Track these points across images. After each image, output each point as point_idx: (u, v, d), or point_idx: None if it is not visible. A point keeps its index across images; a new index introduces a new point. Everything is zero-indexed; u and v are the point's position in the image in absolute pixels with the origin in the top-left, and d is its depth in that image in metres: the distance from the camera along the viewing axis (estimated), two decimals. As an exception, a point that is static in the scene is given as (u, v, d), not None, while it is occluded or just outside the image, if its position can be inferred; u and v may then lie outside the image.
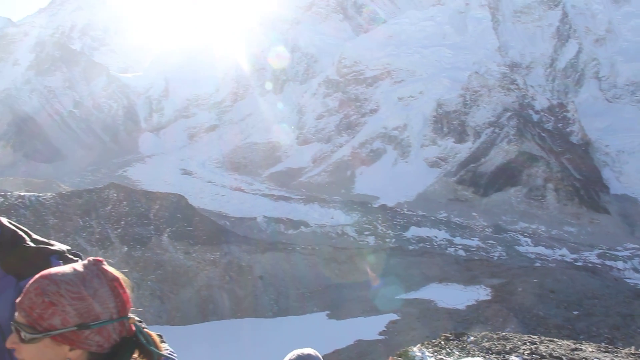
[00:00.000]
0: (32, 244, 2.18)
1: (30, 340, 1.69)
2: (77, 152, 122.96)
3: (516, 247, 71.57)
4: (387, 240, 71.13)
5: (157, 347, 2.04)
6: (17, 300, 1.72)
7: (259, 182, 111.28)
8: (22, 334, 1.69)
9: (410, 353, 10.56)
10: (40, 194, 50.78)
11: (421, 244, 70.00)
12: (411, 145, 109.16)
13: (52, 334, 1.70)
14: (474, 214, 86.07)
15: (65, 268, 1.80)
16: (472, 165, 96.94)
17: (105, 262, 1.90)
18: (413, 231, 74.91)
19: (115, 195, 52.96)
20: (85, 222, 47.99)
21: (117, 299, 1.85)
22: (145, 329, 2.02)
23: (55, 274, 1.75)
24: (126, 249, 46.11)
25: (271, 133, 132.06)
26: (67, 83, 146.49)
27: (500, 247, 70.47)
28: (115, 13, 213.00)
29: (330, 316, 41.24)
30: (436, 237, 73.30)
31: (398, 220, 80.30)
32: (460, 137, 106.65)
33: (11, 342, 1.71)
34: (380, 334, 34.98)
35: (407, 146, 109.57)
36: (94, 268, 1.83)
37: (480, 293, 42.01)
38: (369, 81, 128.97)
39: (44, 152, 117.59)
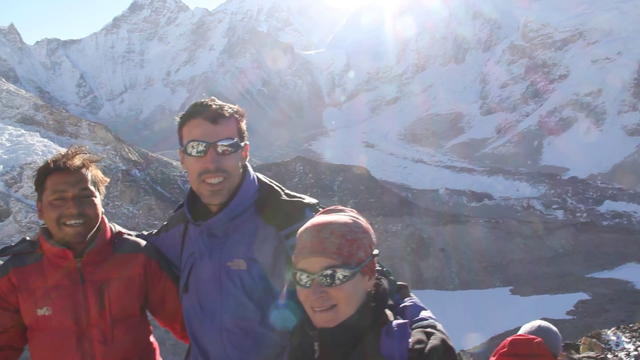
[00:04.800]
0: (287, 198, 2.45)
1: (348, 278, 1.82)
2: (266, 128, 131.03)
3: None
4: (578, 214, 67.04)
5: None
6: (314, 248, 1.83)
7: (441, 153, 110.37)
8: (339, 274, 1.80)
9: (604, 336, 9.92)
10: (235, 168, 55.03)
11: (617, 220, 64.97)
12: (606, 112, 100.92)
13: (363, 266, 1.86)
14: (682, 187, 77.68)
15: (335, 213, 1.95)
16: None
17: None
18: (608, 205, 69.87)
19: (301, 168, 55.93)
20: (275, 194, 51.22)
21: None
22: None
23: (337, 216, 1.90)
24: (312, 219, 48.48)
25: (453, 104, 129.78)
26: (256, 63, 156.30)
27: None
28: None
29: (513, 292, 40.10)
30: (635, 212, 67.57)
31: (590, 194, 75.25)
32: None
33: (319, 291, 1.81)
34: (567, 313, 33.31)
35: (601, 113, 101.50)
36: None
37: (690, 277, 38.08)
38: (558, 45, 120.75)
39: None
